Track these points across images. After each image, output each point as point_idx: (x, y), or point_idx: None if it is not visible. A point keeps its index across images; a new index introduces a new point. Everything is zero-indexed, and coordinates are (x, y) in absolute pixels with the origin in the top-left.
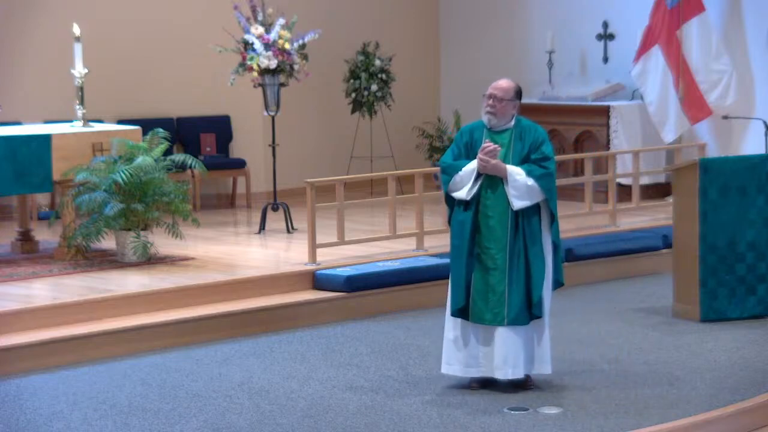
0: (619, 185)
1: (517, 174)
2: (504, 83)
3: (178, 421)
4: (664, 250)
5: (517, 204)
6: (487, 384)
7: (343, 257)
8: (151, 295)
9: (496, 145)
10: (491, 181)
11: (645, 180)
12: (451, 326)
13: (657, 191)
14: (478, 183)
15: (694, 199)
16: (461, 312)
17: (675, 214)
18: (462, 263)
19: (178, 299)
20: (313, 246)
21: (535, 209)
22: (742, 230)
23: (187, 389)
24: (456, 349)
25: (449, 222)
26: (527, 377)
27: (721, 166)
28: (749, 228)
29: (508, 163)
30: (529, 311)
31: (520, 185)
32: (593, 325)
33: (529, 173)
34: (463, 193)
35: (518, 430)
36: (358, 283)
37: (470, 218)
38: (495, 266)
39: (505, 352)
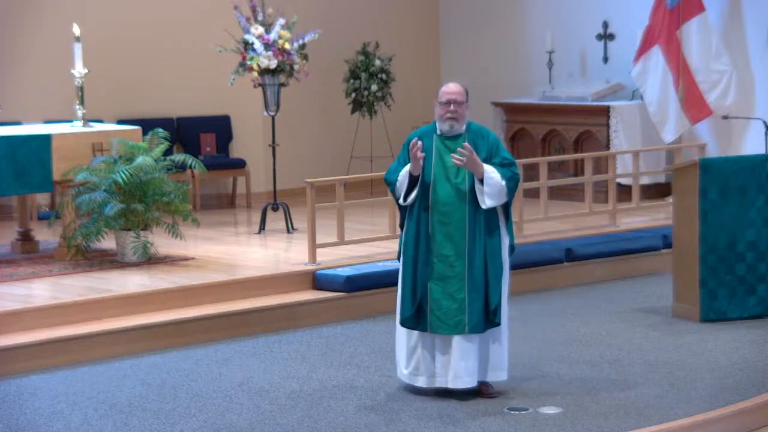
0: (619, 185)
1: (492, 172)
2: (457, 87)
3: (178, 421)
4: (664, 250)
5: (488, 203)
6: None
7: (343, 257)
8: (151, 295)
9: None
10: (445, 187)
11: (645, 180)
12: (406, 336)
13: (657, 191)
14: (415, 190)
15: (694, 199)
16: (410, 321)
17: (675, 214)
18: (411, 272)
19: (178, 299)
20: (313, 246)
21: (494, 213)
22: (742, 230)
23: (187, 389)
24: (416, 359)
25: (401, 226)
26: (484, 384)
27: (721, 166)
28: (749, 228)
29: (462, 171)
30: (486, 319)
31: (496, 183)
32: (593, 325)
33: (502, 175)
34: (401, 200)
35: (518, 430)
36: (358, 283)
37: (418, 226)
38: (454, 274)
39: (463, 361)
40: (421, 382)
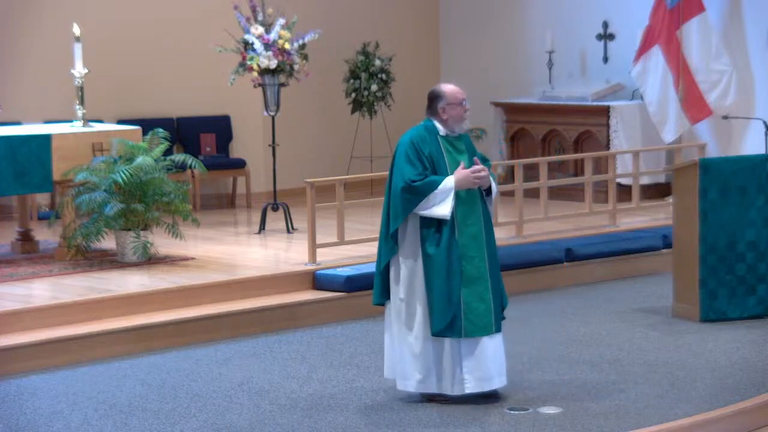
0: (619, 185)
1: (493, 181)
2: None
3: (178, 421)
4: (664, 250)
5: (491, 211)
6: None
7: (343, 257)
8: (151, 295)
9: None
10: (465, 191)
11: (645, 180)
12: (422, 345)
13: (657, 191)
14: (453, 199)
15: (694, 199)
16: (445, 331)
17: (675, 214)
18: (444, 280)
19: (178, 299)
20: (313, 246)
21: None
22: (742, 230)
23: (187, 389)
24: (437, 368)
25: (390, 237)
26: None
27: (721, 166)
28: (749, 228)
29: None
30: (501, 317)
31: (496, 192)
32: (593, 325)
33: (494, 179)
34: (446, 210)
35: (518, 430)
36: (358, 283)
37: (451, 233)
38: (479, 275)
39: (495, 361)
40: (438, 389)
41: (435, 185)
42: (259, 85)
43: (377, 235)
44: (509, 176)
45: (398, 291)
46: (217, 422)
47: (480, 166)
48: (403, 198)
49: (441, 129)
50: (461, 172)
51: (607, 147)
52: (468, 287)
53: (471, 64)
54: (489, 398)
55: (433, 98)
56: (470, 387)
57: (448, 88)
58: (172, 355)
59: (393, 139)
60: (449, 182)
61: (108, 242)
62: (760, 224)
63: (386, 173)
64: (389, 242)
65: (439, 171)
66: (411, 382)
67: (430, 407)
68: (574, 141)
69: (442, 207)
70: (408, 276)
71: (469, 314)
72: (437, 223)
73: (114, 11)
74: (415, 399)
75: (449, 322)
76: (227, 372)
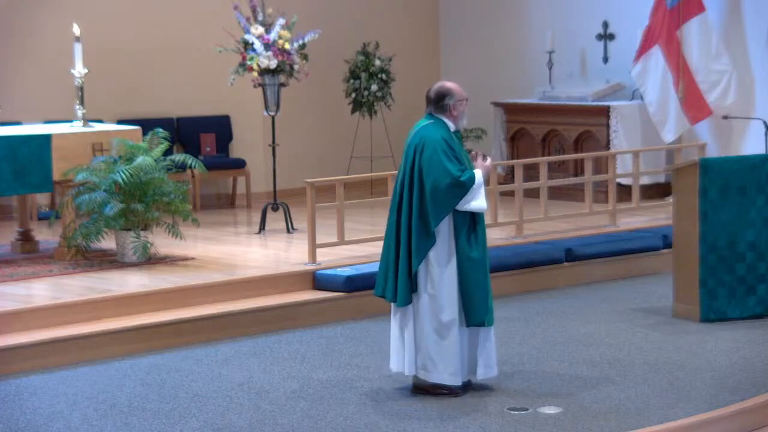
0: (619, 185)
1: None
2: None
3: (178, 421)
4: (664, 250)
5: None
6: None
7: (343, 257)
8: (151, 295)
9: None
10: None
11: (645, 180)
12: (457, 337)
13: (657, 191)
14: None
15: (694, 199)
16: (483, 321)
17: (675, 214)
18: (484, 274)
19: (178, 299)
20: (313, 246)
21: None
22: (742, 230)
23: (187, 389)
24: (468, 357)
25: (432, 234)
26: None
27: (721, 166)
28: (749, 228)
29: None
30: None
31: None
32: (593, 325)
33: None
34: (484, 203)
35: (518, 430)
36: (358, 283)
37: (483, 229)
38: (489, 268)
39: (495, 351)
40: (459, 381)
41: (474, 180)
42: (259, 85)
43: (377, 235)
44: (509, 176)
45: (428, 286)
46: (217, 422)
47: (486, 156)
48: (451, 194)
49: (451, 125)
50: (480, 164)
51: (607, 147)
52: (489, 278)
53: (471, 64)
54: (486, 390)
55: (443, 96)
56: (481, 373)
57: (453, 85)
58: (172, 355)
59: (393, 139)
60: (479, 176)
61: (108, 242)
62: (760, 224)
63: (387, 173)
64: (431, 238)
65: (464, 165)
66: (444, 374)
67: (430, 408)
68: (574, 141)
69: (480, 200)
70: (437, 271)
71: (490, 305)
72: (470, 218)
73: (114, 11)
74: (414, 399)
75: (487, 313)
76: (227, 372)
